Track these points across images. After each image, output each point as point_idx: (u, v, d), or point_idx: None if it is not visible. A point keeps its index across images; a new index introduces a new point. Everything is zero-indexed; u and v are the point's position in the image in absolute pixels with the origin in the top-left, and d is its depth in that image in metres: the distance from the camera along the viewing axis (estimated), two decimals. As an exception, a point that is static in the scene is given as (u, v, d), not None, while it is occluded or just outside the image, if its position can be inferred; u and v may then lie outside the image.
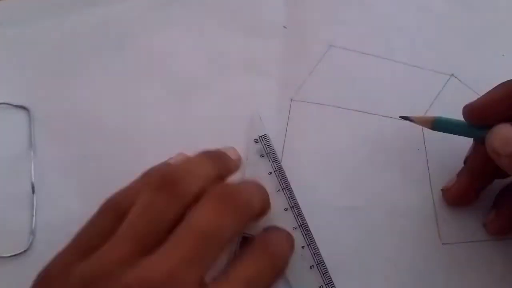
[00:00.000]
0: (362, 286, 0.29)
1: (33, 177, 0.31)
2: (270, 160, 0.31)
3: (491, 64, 0.33)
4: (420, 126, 0.30)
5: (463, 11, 0.34)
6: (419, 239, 0.30)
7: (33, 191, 0.31)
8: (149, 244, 0.22)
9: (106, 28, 0.34)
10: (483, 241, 0.30)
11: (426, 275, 0.29)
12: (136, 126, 0.32)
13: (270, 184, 0.30)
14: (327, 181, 0.31)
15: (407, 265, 0.29)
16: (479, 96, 0.28)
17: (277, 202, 0.30)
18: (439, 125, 0.29)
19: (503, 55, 0.33)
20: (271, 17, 0.34)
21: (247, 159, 0.31)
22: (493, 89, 0.27)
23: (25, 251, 0.30)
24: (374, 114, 0.32)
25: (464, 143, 0.29)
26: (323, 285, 0.29)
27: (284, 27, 0.34)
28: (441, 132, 0.29)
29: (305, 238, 0.29)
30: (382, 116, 0.32)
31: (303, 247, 0.29)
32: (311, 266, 0.29)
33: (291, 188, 0.30)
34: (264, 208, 0.27)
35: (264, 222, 0.28)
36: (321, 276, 0.29)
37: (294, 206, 0.30)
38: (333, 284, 0.29)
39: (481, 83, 0.30)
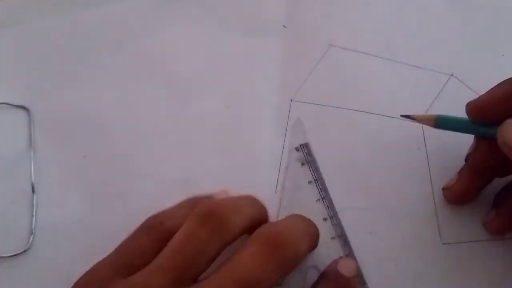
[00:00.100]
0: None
1: (33, 177, 0.31)
2: (311, 169, 0.31)
3: (491, 64, 0.33)
4: (421, 126, 0.30)
5: (463, 11, 0.34)
6: (419, 239, 0.30)
7: (33, 191, 0.31)
8: (188, 277, 0.23)
9: (106, 28, 0.34)
10: (483, 241, 0.30)
11: (426, 275, 0.29)
12: (136, 126, 0.32)
13: (309, 193, 0.30)
14: (327, 181, 0.31)
15: (407, 265, 0.29)
16: (478, 96, 0.28)
17: (317, 211, 0.30)
18: (441, 123, 0.28)
19: (503, 55, 0.33)
20: (271, 17, 0.34)
21: (287, 167, 0.31)
22: (496, 86, 0.27)
23: (25, 251, 0.30)
24: (374, 114, 0.32)
25: (465, 142, 0.29)
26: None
27: (284, 26, 0.34)
28: (441, 132, 0.29)
29: (343, 247, 0.29)
30: (382, 116, 0.32)
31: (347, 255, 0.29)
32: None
33: (330, 197, 0.30)
34: (312, 248, 0.26)
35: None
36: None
37: (333, 216, 0.30)
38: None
39: (481, 83, 0.30)
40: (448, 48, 0.34)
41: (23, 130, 0.32)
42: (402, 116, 0.30)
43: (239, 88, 0.33)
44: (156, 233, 0.25)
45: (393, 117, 0.32)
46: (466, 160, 0.29)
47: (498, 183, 0.29)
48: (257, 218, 0.26)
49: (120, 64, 0.34)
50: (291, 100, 0.33)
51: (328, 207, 0.30)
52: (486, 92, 0.27)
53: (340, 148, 0.32)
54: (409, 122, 0.30)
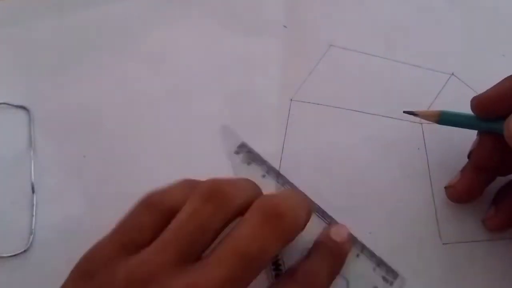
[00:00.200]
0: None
1: (33, 177, 0.31)
2: (259, 164, 0.31)
3: (491, 63, 0.33)
4: (420, 126, 0.30)
5: (463, 10, 0.34)
6: (419, 239, 0.30)
7: (33, 191, 0.31)
8: (193, 253, 0.23)
9: (106, 28, 0.34)
10: (483, 241, 0.30)
11: (426, 275, 0.29)
12: (136, 126, 0.32)
13: (268, 186, 0.30)
14: (327, 181, 0.31)
15: (407, 265, 0.29)
16: (479, 95, 0.28)
17: None
18: (445, 118, 0.28)
19: (503, 55, 0.33)
20: (271, 17, 0.34)
21: (235, 174, 0.31)
22: (500, 81, 0.27)
23: (25, 251, 0.30)
24: (374, 114, 0.32)
25: (465, 142, 0.29)
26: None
27: (284, 26, 0.34)
28: (441, 132, 0.29)
29: None
30: (382, 116, 0.32)
31: None
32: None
33: (291, 182, 0.30)
34: (308, 219, 0.26)
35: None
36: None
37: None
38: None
39: (481, 83, 0.30)
40: (448, 48, 0.34)
41: (23, 130, 0.32)
42: (405, 112, 0.30)
43: (239, 88, 0.33)
44: (157, 211, 0.24)
45: (393, 117, 0.32)
46: (469, 157, 0.29)
47: (498, 182, 0.29)
48: (256, 197, 0.26)
49: (120, 64, 0.34)
50: (291, 100, 0.33)
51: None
52: (491, 87, 0.27)
53: (340, 148, 0.32)
54: (409, 122, 0.30)
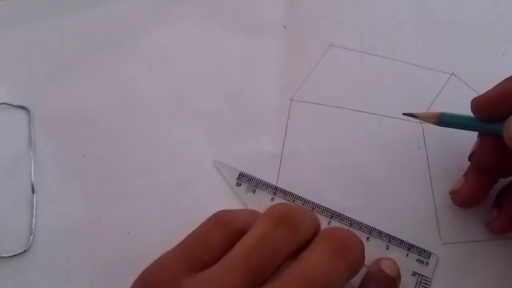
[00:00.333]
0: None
1: (33, 177, 0.31)
2: (264, 188, 0.31)
3: (491, 63, 0.33)
4: (421, 126, 0.30)
5: (463, 10, 0.34)
6: (419, 239, 0.30)
7: (33, 191, 0.31)
8: (259, 278, 0.22)
9: (106, 28, 0.34)
10: (483, 240, 0.30)
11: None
12: (136, 126, 0.32)
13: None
14: (327, 181, 0.31)
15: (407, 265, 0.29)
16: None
17: None
18: (445, 120, 0.28)
19: (503, 54, 0.33)
20: (271, 17, 0.34)
21: (245, 205, 0.31)
22: (501, 82, 0.27)
23: (25, 251, 0.30)
24: (374, 114, 0.32)
25: (465, 142, 0.29)
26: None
27: (284, 26, 0.34)
28: (441, 132, 0.29)
29: None
30: (382, 116, 0.32)
31: None
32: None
33: (301, 196, 0.31)
34: None
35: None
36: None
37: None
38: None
39: (481, 82, 0.30)
40: (448, 47, 0.34)
41: (23, 130, 0.32)
42: (404, 114, 0.30)
43: (239, 88, 0.33)
44: (228, 229, 0.24)
45: (393, 117, 0.32)
46: (469, 159, 0.29)
47: (499, 183, 0.29)
48: (317, 228, 0.26)
49: (120, 64, 0.34)
50: (291, 100, 0.33)
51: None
52: (491, 88, 0.27)
53: (339, 148, 0.32)
54: (409, 122, 0.30)
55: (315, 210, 0.30)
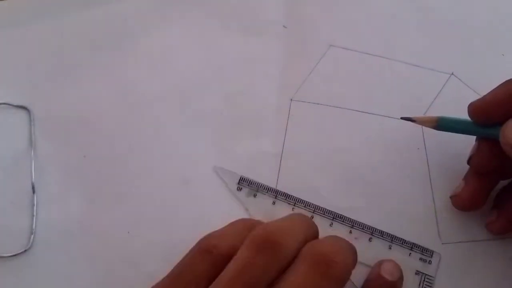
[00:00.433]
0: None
1: (33, 177, 0.31)
2: (265, 192, 0.31)
3: (491, 63, 0.33)
4: (420, 126, 0.30)
5: (463, 10, 0.34)
6: (419, 239, 0.30)
7: (34, 191, 0.31)
8: None
9: (106, 28, 0.34)
10: (483, 240, 0.30)
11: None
12: (136, 126, 0.32)
13: (282, 212, 0.30)
14: (327, 181, 0.31)
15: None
16: (479, 95, 0.28)
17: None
18: (442, 124, 0.28)
19: (503, 54, 0.33)
20: (271, 17, 0.34)
21: (248, 209, 0.31)
22: (498, 86, 0.27)
23: (25, 251, 0.30)
24: (374, 114, 0.32)
25: (465, 142, 0.29)
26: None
27: (284, 26, 0.34)
28: (441, 132, 0.29)
29: None
30: (382, 116, 0.32)
31: None
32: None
33: (301, 199, 0.31)
34: (355, 263, 0.26)
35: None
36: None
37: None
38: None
39: (481, 82, 0.30)
40: (448, 47, 0.34)
41: (23, 130, 0.32)
42: (402, 118, 0.30)
43: (239, 88, 0.33)
44: (211, 258, 0.24)
45: (392, 117, 0.32)
46: (468, 162, 0.29)
47: (499, 184, 0.29)
48: (310, 238, 0.25)
49: (120, 64, 0.34)
50: (291, 100, 0.33)
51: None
52: (488, 93, 0.27)
53: (339, 148, 0.32)
54: (408, 122, 0.30)
55: (316, 213, 0.30)
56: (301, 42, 0.34)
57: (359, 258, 0.26)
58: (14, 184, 0.31)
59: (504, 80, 0.27)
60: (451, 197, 0.30)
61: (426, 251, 0.29)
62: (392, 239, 0.29)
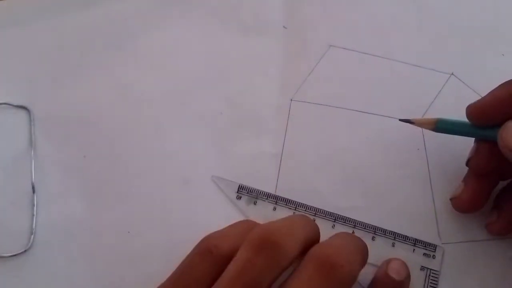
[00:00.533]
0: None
1: (33, 177, 0.31)
2: (264, 199, 0.31)
3: (491, 63, 0.33)
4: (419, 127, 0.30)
5: (463, 10, 0.34)
6: (419, 238, 0.30)
7: (34, 191, 0.31)
8: None
9: (106, 28, 0.34)
10: (482, 240, 0.30)
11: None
12: (136, 126, 0.32)
13: (286, 216, 0.30)
14: (327, 181, 0.31)
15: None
16: (479, 95, 0.28)
17: None
18: (441, 126, 0.28)
19: (503, 54, 0.33)
20: (271, 17, 0.34)
21: (248, 217, 0.30)
22: (496, 88, 0.27)
23: (25, 251, 0.30)
24: (374, 114, 0.32)
25: (465, 142, 0.29)
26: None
27: (284, 27, 0.34)
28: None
29: None
30: (382, 116, 0.32)
31: None
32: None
33: (302, 203, 0.31)
34: (364, 264, 0.26)
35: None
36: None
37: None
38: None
39: (481, 82, 0.30)
40: (448, 47, 0.34)
41: (24, 130, 0.32)
42: (401, 120, 0.30)
43: (239, 88, 0.33)
44: (211, 258, 0.24)
45: (392, 117, 0.32)
46: (467, 164, 0.29)
47: (499, 184, 0.29)
48: (311, 239, 0.25)
49: (120, 64, 0.34)
50: (291, 100, 0.33)
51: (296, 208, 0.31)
52: (486, 95, 0.27)
53: (339, 148, 0.32)
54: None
55: (317, 216, 0.30)
56: (301, 42, 0.34)
57: None
58: (14, 184, 0.31)
59: (503, 81, 0.27)
60: (451, 200, 0.30)
61: (429, 245, 0.29)
62: (395, 236, 0.29)
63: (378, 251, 0.29)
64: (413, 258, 0.29)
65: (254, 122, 0.32)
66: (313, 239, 0.26)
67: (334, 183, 0.31)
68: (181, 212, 0.31)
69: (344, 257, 0.23)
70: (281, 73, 0.33)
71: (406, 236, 0.29)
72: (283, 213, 0.30)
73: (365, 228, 0.30)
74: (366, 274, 0.28)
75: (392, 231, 0.30)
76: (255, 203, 0.31)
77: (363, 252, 0.26)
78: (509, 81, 0.27)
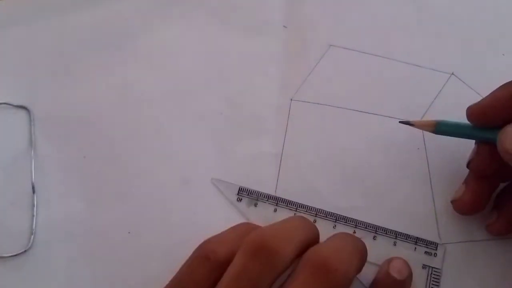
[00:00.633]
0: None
1: (33, 177, 0.31)
2: (265, 200, 0.31)
3: (491, 63, 0.33)
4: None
5: (463, 10, 0.34)
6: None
7: (34, 191, 0.31)
8: None
9: (106, 28, 0.34)
10: (482, 240, 0.30)
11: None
12: (136, 126, 0.32)
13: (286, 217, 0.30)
14: (327, 181, 0.31)
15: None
16: (479, 95, 0.28)
17: None
18: (441, 128, 0.28)
19: (503, 54, 0.33)
20: (271, 17, 0.34)
21: (249, 219, 0.30)
22: (496, 89, 0.27)
23: (25, 251, 0.30)
24: (374, 114, 0.32)
25: (465, 142, 0.29)
26: None
27: (284, 26, 0.34)
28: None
29: None
30: (382, 116, 0.32)
31: None
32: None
33: (302, 204, 0.31)
34: (362, 265, 0.26)
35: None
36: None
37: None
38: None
39: (481, 82, 0.30)
40: (448, 47, 0.34)
41: (24, 130, 0.32)
42: (400, 122, 0.30)
43: (239, 88, 0.33)
44: (210, 264, 0.25)
45: (392, 117, 0.32)
46: (468, 166, 0.29)
47: (499, 185, 0.29)
48: (309, 241, 0.25)
49: (120, 64, 0.34)
50: (291, 100, 0.33)
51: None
52: (486, 96, 0.27)
53: (339, 148, 0.32)
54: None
55: (318, 216, 0.30)
56: (301, 42, 0.34)
57: None
58: (14, 184, 0.31)
59: (504, 80, 0.27)
60: (452, 202, 0.30)
61: (431, 243, 0.29)
62: (396, 235, 0.29)
63: (380, 251, 0.29)
64: (415, 257, 0.29)
65: (254, 122, 0.32)
66: (312, 241, 0.26)
67: (334, 183, 0.31)
68: (181, 212, 0.31)
69: (339, 260, 0.23)
70: (281, 73, 0.33)
71: (407, 234, 0.29)
72: (284, 214, 0.30)
73: (366, 228, 0.30)
74: (368, 273, 0.28)
75: (393, 230, 0.30)
76: (255, 205, 0.31)
77: (361, 253, 0.26)
78: (509, 82, 0.26)
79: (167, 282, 0.26)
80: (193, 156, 0.32)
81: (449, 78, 0.33)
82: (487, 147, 0.27)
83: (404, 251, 0.29)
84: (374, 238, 0.30)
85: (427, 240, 0.29)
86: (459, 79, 0.33)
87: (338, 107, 0.33)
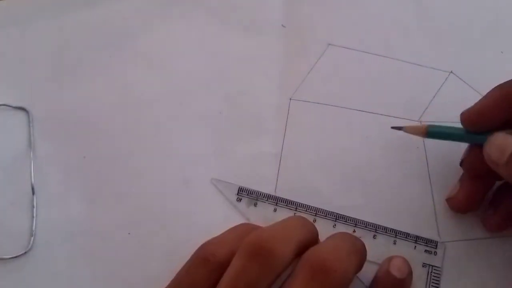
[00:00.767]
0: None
1: (32, 178, 0.31)
2: (265, 200, 0.31)
3: (490, 61, 0.33)
4: (419, 124, 0.30)
5: (463, 8, 0.34)
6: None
7: (33, 192, 0.31)
8: None
9: (106, 28, 0.34)
10: (482, 239, 0.30)
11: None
12: (136, 126, 0.32)
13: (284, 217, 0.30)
14: (327, 180, 0.31)
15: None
16: (478, 93, 0.28)
17: None
18: (432, 133, 0.28)
19: (502, 52, 0.33)
20: (270, 16, 0.34)
21: (249, 219, 0.30)
22: (488, 93, 0.27)
23: (25, 252, 0.30)
24: (374, 113, 0.32)
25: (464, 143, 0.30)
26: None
27: (283, 26, 0.34)
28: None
29: None
30: (382, 115, 0.32)
31: None
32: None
33: (302, 203, 0.31)
34: (361, 264, 0.26)
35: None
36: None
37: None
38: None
39: (480, 80, 0.30)
40: (447, 46, 0.34)
41: (23, 131, 0.32)
42: (392, 128, 0.30)
43: (239, 88, 0.33)
44: (209, 266, 0.25)
45: (392, 116, 0.32)
46: (461, 165, 0.29)
47: (496, 182, 0.30)
48: (308, 241, 0.25)
49: (120, 64, 0.34)
50: (290, 99, 0.33)
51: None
52: (478, 100, 0.27)
53: (339, 147, 0.32)
54: (407, 120, 0.30)
55: (318, 216, 0.30)
56: (300, 41, 0.34)
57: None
58: (14, 185, 0.31)
59: (503, 78, 0.27)
60: (447, 200, 0.30)
61: (431, 242, 0.29)
62: (396, 234, 0.30)
63: (380, 249, 0.29)
64: (415, 255, 0.29)
65: (253, 121, 0.32)
66: (311, 240, 0.26)
67: (334, 183, 0.31)
68: (181, 212, 0.31)
69: (338, 260, 0.23)
70: (280, 72, 0.33)
71: (407, 233, 0.30)
72: (283, 214, 0.30)
73: (366, 227, 0.30)
74: (368, 272, 0.28)
75: (393, 229, 0.30)
76: (255, 205, 0.31)
77: (360, 253, 0.26)
78: (500, 85, 0.27)
79: (167, 282, 0.26)
80: (193, 156, 0.32)
81: (448, 76, 0.33)
82: (479, 147, 0.27)
83: (404, 249, 0.29)
84: (374, 237, 0.30)
85: (427, 239, 0.29)
86: (458, 77, 0.33)
87: (337, 106, 0.33)
